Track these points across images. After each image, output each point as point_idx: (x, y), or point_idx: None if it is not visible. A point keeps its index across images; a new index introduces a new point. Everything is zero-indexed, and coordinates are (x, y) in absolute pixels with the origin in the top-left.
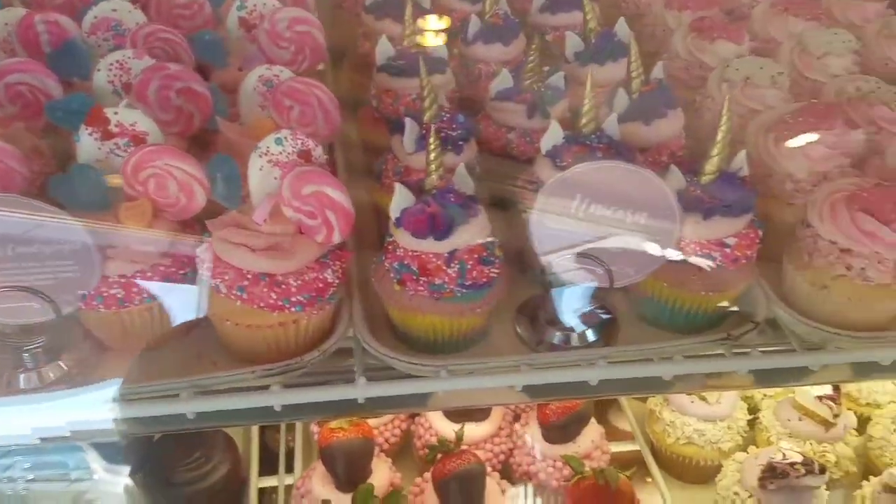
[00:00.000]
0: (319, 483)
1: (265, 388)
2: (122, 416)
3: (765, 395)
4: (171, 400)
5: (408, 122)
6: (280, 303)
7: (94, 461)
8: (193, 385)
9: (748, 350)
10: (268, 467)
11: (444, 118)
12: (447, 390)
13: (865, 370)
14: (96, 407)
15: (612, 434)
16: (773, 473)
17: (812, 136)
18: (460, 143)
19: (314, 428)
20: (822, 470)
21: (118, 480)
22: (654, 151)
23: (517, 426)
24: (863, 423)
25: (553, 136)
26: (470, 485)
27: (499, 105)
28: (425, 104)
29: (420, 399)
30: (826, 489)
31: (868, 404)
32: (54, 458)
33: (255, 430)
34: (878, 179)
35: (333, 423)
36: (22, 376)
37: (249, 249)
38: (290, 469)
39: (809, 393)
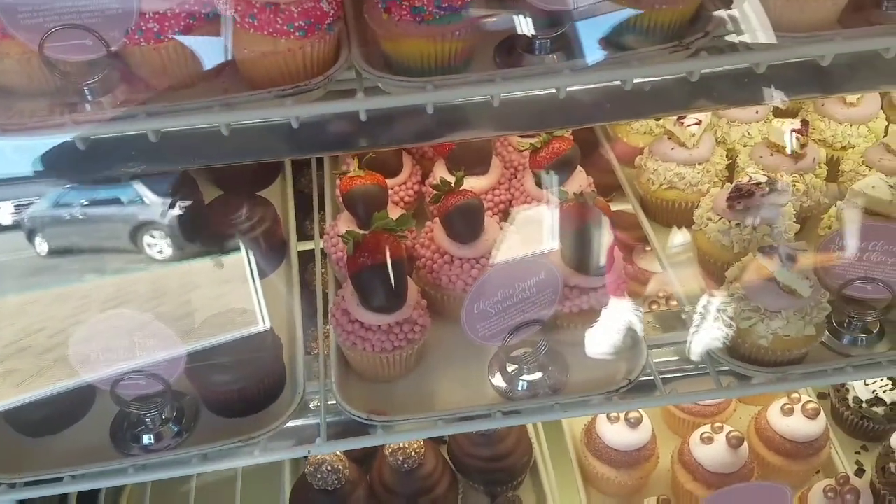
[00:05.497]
0: (345, 224)
1: None
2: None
3: (745, 145)
4: (204, 110)
5: None
6: (285, 28)
7: (146, 194)
8: (222, 102)
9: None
10: (300, 235)
11: None
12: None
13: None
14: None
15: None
16: (739, 194)
17: None
18: None
19: (338, 192)
20: (785, 187)
21: (170, 212)
22: None
23: (514, 181)
24: (837, 166)
25: None
26: (469, 216)
27: None
28: None
29: (417, 130)
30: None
31: (843, 147)
32: (108, 193)
33: (290, 202)
34: None
35: (352, 173)
36: (86, 107)
37: None
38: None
39: (780, 130)
